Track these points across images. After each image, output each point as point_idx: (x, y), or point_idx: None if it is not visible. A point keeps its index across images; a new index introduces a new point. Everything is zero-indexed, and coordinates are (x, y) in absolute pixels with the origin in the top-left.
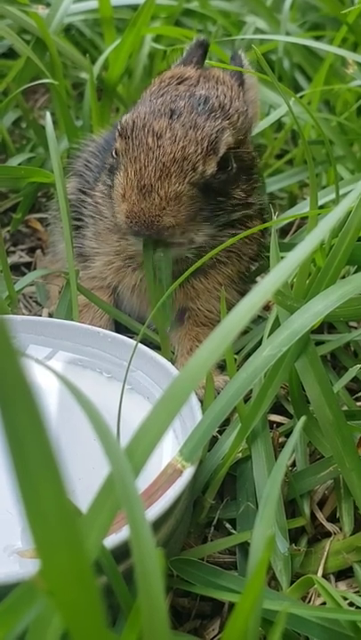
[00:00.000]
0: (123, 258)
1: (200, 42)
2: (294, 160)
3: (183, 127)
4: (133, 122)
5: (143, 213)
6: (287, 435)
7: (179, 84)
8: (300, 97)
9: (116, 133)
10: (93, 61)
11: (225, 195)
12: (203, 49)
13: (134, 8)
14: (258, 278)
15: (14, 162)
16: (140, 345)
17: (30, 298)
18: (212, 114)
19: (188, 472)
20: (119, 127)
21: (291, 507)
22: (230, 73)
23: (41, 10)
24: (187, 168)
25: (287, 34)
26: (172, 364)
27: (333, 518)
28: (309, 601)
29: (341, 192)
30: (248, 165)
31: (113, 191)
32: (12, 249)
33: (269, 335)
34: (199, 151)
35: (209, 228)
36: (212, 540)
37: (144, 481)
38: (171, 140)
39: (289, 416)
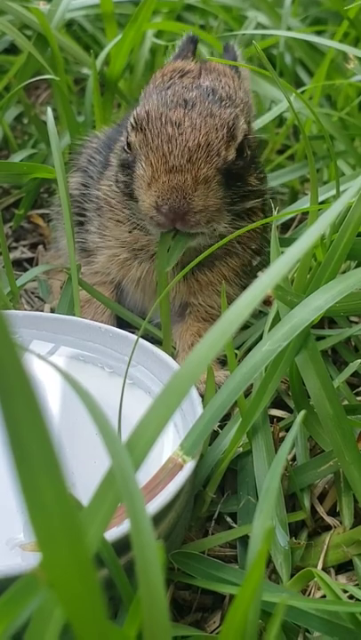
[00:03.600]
0: (130, 249)
1: (191, 37)
2: (295, 155)
3: (200, 115)
4: (147, 114)
5: (176, 190)
6: (288, 429)
7: (181, 76)
8: (302, 92)
9: (129, 127)
10: (95, 57)
11: (242, 181)
12: (194, 44)
13: (135, 3)
14: (258, 273)
15: (16, 158)
16: (141, 340)
17: (32, 293)
18: (223, 102)
19: (189, 466)
20: (132, 121)
21: (291, 501)
22: (229, 65)
23: (42, 5)
24: (212, 153)
25: (289, 29)
26: (174, 359)
27: (334, 512)
28: (309, 594)
29: (342, 187)
30: (253, 154)
31: (135, 182)
32: (14, 245)
33: (270, 330)
34: (220, 137)
35: (228, 216)
36: (212, 534)
37: (145, 475)
38: (192, 128)
39: (289, 410)
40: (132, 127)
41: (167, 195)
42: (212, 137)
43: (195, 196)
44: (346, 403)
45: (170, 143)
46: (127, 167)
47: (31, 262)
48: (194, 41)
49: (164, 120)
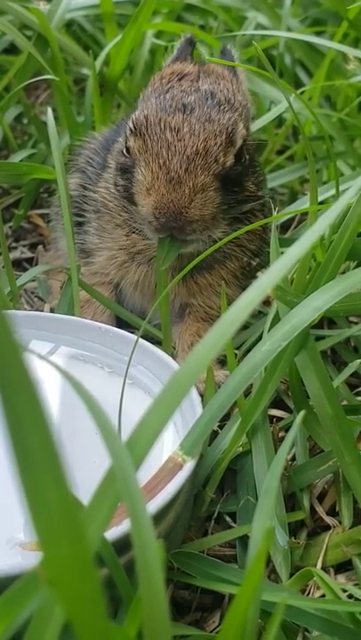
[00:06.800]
0: (128, 253)
1: (189, 39)
2: (295, 156)
3: (199, 121)
4: (146, 118)
5: (173, 204)
6: (287, 429)
7: (180, 79)
8: (301, 93)
9: (128, 132)
10: (95, 57)
11: (239, 186)
12: (192, 46)
13: (135, 3)
14: (258, 274)
15: (16, 158)
16: (141, 340)
17: (32, 293)
18: (222, 107)
19: (189, 466)
20: (131, 125)
21: (291, 500)
22: (227, 67)
23: (42, 5)
24: (210, 160)
25: (288, 29)
26: (173, 359)
27: (333, 512)
28: (309, 593)
29: (342, 188)
30: (251, 158)
31: (134, 188)
32: (13, 245)
33: (269, 330)
34: (219, 143)
35: (224, 222)
36: (212, 534)
37: (145, 474)
38: (190, 134)
39: (289, 410)
40: (131, 132)
41: (165, 208)
42: (211, 143)
43: (191, 207)
44: (345, 403)
45: (169, 150)
46: (126, 171)
47: (31, 262)
48: (192, 43)
49: (163, 125)
